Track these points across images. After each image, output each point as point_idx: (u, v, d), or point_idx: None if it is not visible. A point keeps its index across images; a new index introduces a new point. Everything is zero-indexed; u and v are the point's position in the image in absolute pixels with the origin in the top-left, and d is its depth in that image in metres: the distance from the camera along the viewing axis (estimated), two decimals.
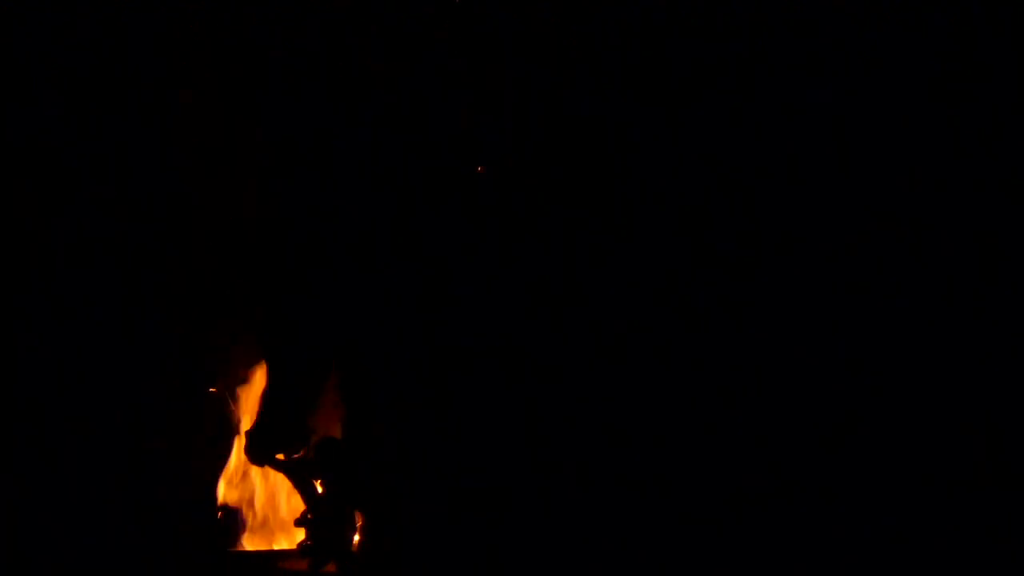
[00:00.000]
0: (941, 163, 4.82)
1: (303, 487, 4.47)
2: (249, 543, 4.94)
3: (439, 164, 4.68)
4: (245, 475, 4.91)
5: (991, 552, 4.55)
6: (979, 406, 4.68)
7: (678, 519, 4.60)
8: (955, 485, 4.62)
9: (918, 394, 4.70)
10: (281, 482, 4.82)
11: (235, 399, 4.90)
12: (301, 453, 4.52)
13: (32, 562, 4.80)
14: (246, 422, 4.77)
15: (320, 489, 4.47)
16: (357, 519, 4.48)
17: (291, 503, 4.85)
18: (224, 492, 4.92)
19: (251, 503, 4.94)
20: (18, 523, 4.86)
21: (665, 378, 4.71)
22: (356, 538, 4.46)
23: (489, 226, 4.70)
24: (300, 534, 4.65)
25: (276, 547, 4.90)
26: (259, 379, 4.72)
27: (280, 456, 4.55)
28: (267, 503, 4.93)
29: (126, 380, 5.02)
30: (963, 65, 4.84)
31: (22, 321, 5.04)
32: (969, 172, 4.81)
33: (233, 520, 4.94)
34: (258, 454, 4.51)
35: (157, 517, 4.92)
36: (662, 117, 4.87)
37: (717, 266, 4.81)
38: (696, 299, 4.80)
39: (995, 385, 4.68)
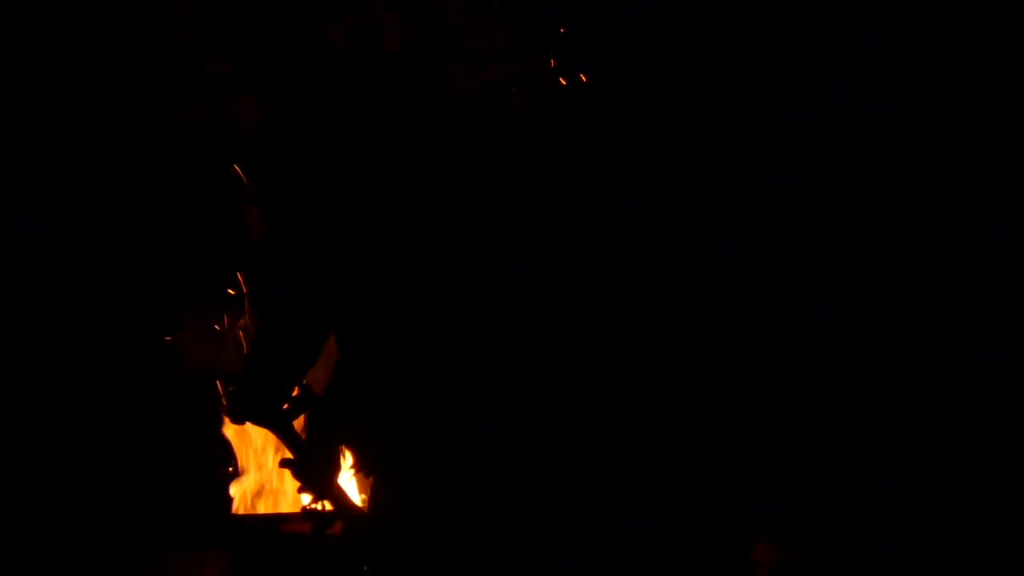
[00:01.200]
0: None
1: (286, 436, 4.40)
2: (251, 507, 4.98)
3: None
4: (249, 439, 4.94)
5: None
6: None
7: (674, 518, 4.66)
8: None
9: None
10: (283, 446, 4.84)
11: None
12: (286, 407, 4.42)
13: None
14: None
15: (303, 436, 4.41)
16: (341, 458, 4.43)
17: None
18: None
19: (255, 467, 4.98)
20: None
21: (665, 375, 4.78)
22: (361, 498, 4.47)
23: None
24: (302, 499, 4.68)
25: (278, 511, 4.94)
26: None
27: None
28: (268, 467, 4.97)
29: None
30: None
31: (20, 319, 5.09)
32: None
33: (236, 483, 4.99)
34: (239, 414, 4.39)
35: (160, 483, 4.98)
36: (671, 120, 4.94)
37: (718, 267, 4.87)
38: (699, 299, 4.86)
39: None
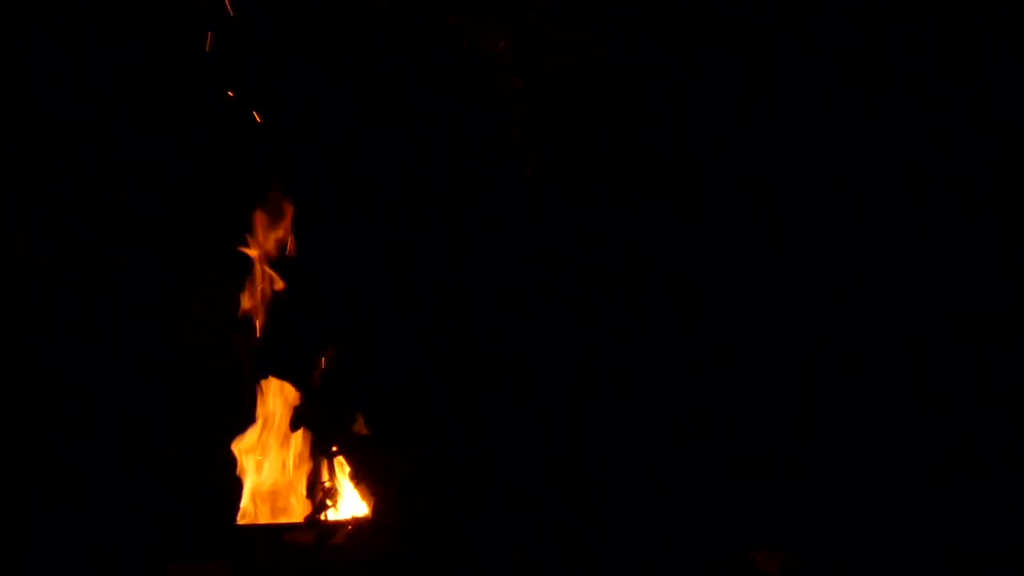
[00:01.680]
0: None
1: (304, 388, 4.48)
2: (256, 516, 4.99)
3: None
4: (259, 451, 4.97)
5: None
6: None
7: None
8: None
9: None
10: (291, 458, 4.88)
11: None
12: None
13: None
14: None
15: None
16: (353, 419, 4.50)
17: (299, 478, 4.92)
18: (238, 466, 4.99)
19: (262, 476, 5.00)
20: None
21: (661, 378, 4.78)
22: (366, 511, 4.52)
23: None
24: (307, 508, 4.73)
25: (283, 520, 4.93)
26: None
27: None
28: (276, 477, 4.99)
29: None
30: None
31: (20, 321, 5.10)
32: None
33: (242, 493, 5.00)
34: (262, 367, 4.50)
35: (166, 491, 4.98)
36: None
37: (721, 267, 4.87)
38: (703, 300, 4.86)
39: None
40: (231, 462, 4.96)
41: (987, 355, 4.74)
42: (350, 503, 4.75)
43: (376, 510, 4.43)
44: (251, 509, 4.95)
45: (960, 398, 4.70)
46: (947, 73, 4.91)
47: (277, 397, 4.85)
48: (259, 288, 4.93)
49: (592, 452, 4.58)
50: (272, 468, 4.95)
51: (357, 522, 4.54)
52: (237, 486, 4.97)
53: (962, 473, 4.64)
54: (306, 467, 4.87)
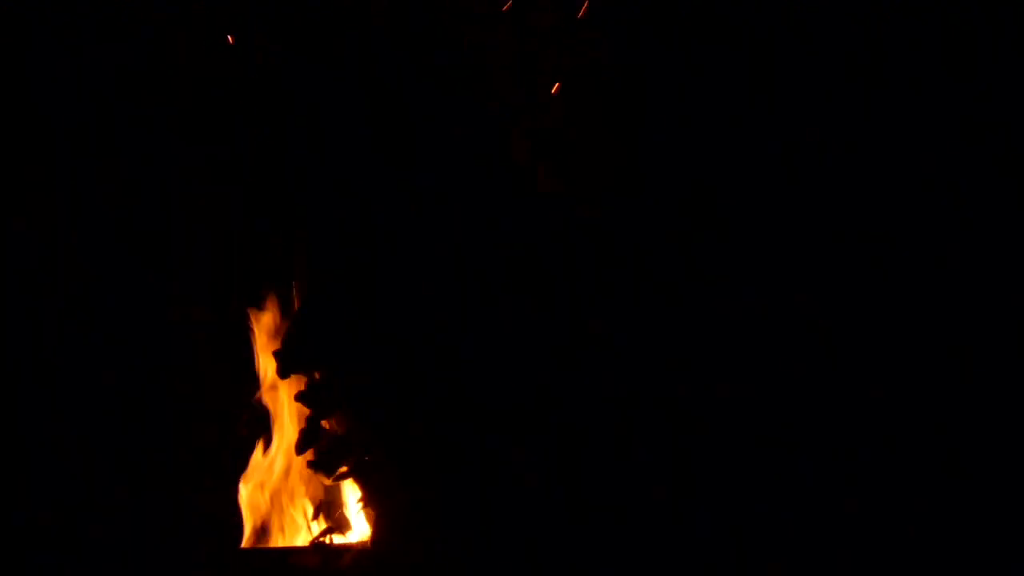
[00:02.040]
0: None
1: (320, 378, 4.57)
2: (261, 540, 5.00)
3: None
4: (265, 473, 5.00)
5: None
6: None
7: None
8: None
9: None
10: (296, 482, 4.92)
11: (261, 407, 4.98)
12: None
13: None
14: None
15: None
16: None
17: (305, 501, 4.95)
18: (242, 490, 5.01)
19: (267, 500, 5.02)
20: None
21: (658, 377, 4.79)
22: (368, 535, 4.55)
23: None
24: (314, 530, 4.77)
25: (288, 544, 4.96)
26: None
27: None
28: (281, 500, 5.02)
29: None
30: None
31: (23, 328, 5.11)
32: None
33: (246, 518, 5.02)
34: (287, 367, 4.60)
35: (171, 515, 5.00)
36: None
37: (722, 268, 4.87)
38: (708, 303, 4.86)
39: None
40: (236, 484, 4.99)
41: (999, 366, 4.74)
42: (356, 527, 4.79)
43: (382, 534, 4.46)
44: (256, 532, 4.98)
45: (976, 415, 4.71)
46: (947, 73, 4.90)
47: (288, 417, 4.89)
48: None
49: (601, 475, 4.60)
50: (278, 490, 4.98)
51: (363, 546, 4.58)
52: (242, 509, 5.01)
53: (975, 492, 4.65)
54: (312, 490, 4.91)
